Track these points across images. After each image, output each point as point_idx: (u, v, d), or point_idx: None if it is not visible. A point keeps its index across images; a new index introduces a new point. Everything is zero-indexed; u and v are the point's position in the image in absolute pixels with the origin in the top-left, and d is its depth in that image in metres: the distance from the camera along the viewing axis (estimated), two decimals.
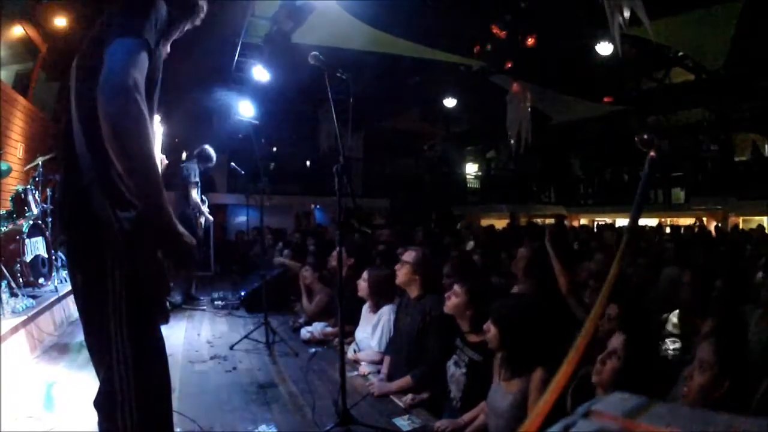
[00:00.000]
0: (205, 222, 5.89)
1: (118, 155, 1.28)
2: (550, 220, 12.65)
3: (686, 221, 11.98)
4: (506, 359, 2.29)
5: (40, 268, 4.57)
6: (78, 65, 1.49)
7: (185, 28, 1.66)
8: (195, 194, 5.55)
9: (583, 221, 14.81)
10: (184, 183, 5.48)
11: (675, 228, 10.44)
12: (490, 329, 2.32)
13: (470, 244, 6.51)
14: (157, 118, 1.95)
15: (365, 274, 3.73)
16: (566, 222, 10.39)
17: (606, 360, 1.78)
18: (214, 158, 5.89)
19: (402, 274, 3.31)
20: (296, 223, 12.50)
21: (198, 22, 1.68)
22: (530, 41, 7.71)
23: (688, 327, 2.70)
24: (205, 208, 5.91)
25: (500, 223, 12.87)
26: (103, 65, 1.29)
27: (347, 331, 3.61)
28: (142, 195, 1.33)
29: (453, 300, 2.77)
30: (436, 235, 7.65)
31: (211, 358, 3.75)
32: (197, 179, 5.58)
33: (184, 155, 5.64)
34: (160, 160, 1.83)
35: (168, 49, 1.61)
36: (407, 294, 3.36)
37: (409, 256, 3.33)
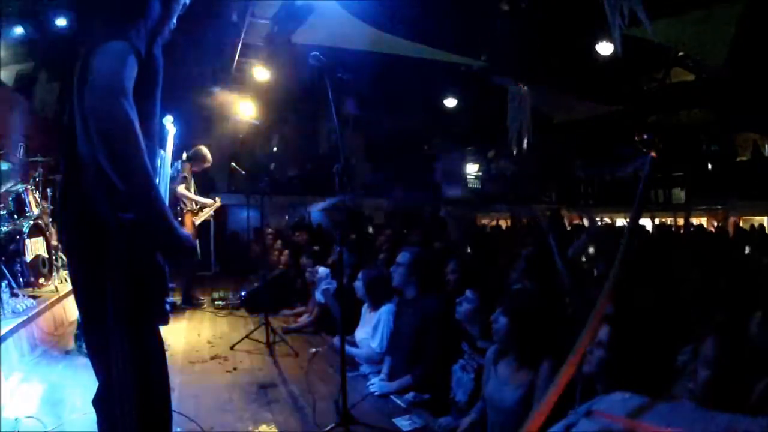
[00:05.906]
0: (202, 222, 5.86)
1: (106, 159, 1.28)
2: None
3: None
4: (515, 350, 2.27)
5: (40, 268, 4.57)
6: (80, 65, 1.48)
7: (173, 22, 1.60)
8: (183, 189, 5.34)
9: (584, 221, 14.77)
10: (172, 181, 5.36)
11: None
12: (499, 320, 2.29)
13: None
14: (169, 118, 1.94)
15: (360, 275, 3.71)
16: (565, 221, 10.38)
17: (593, 350, 1.83)
18: (209, 158, 5.70)
19: (398, 276, 3.30)
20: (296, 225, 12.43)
21: (181, 11, 1.61)
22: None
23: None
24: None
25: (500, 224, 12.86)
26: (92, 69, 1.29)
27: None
28: (132, 198, 1.33)
29: (465, 306, 2.71)
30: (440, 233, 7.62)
31: (212, 358, 3.76)
32: (184, 174, 5.40)
33: (184, 155, 5.58)
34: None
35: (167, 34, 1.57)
36: (405, 294, 3.34)
37: (403, 258, 3.31)
